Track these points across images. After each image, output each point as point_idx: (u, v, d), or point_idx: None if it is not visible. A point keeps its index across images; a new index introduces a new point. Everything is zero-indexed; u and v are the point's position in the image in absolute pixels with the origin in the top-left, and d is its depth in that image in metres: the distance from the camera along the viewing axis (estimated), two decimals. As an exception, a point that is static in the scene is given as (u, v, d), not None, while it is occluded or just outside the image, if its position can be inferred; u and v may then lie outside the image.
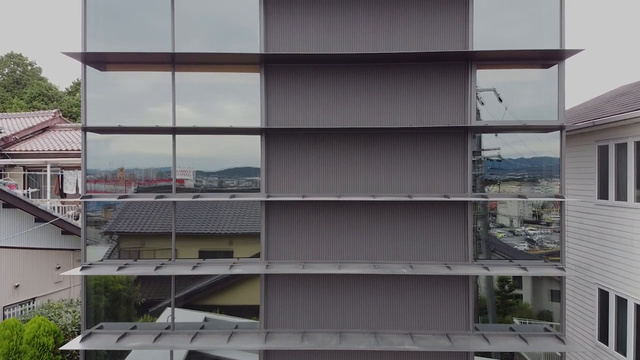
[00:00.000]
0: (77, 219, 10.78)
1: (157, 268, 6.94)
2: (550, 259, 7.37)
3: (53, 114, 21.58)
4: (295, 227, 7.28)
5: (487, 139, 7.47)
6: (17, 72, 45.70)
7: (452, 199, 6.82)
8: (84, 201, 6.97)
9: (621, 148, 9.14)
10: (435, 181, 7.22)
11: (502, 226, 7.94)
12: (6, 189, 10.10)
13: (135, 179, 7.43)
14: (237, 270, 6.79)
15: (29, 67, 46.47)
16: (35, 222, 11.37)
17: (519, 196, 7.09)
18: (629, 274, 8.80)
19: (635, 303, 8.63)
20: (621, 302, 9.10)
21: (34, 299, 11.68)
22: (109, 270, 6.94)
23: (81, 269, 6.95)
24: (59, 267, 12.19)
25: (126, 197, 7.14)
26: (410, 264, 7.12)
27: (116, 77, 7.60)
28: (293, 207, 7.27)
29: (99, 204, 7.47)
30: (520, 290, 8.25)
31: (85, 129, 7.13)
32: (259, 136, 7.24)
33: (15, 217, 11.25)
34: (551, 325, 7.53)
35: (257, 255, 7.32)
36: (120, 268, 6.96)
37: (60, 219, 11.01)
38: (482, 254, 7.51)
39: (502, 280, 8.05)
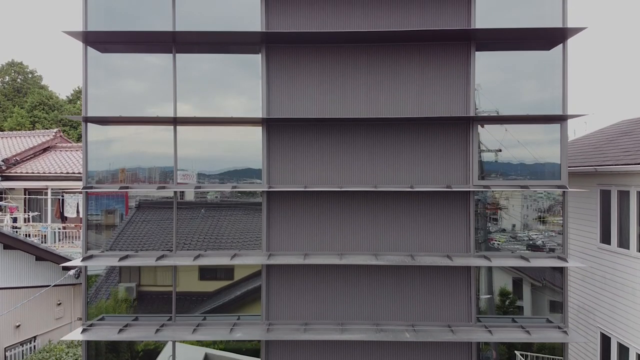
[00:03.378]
0: (77, 277, 10.77)
1: (157, 331, 6.92)
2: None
3: (54, 134, 21.56)
4: (295, 288, 7.26)
5: (488, 141, 7.37)
6: (18, 80, 45.69)
7: (455, 262, 6.78)
8: (85, 265, 6.95)
9: (624, 195, 9.10)
10: (437, 239, 7.20)
11: (503, 231, 7.84)
12: (6, 231, 10.06)
13: (137, 179, 7.38)
14: (238, 335, 6.78)
15: (30, 76, 46.45)
16: (36, 260, 11.36)
17: (522, 257, 7.05)
18: (632, 322, 8.77)
19: (637, 353, 8.60)
20: (623, 350, 9.07)
21: (35, 337, 11.66)
22: (110, 332, 6.91)
23: (82, 332, 6.92)
24: (59, 304, 12.19)
25: (127, 257, 7.13)
26: (413, 324, 7.10)
27: (117, 79, 7.58)
28: (294, 268, 7.23)
29: (99, 206, 7.46)
30: (520, 301, 8.18)
31: (87, 191, 7.11)
32: (259, 136, 7.17)
33: (16, 256, 11.20)
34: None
35: (259, 274, 7.27)
36: (121, 330, 6.94)
37: (61, 257, 10.98)
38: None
39: (504, 295, 8.01)
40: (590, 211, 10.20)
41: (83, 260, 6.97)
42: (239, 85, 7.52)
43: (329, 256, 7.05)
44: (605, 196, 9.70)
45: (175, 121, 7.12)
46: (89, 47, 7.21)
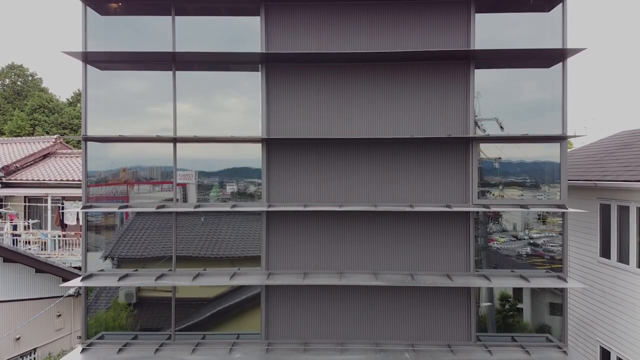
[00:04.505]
0: (77, 295, 10.75)
1: (156, 351, 6.92)
2: (554, 267, 7.29)
3: (54, 140, 21.56)
4: (294, 306, 7.27)
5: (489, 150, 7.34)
6: (18, 83, 45.74)
7: (455, 283, 6.78)
8: (85, 286, 6.95)
9: (624, 210, 9.09)
10: (437, 258, 7.21)
11: (504, 231, 7.82)
12: (6, 244, 10.05)
13: (138, 179, 7.41)
14: (237, 356, 6.77)
15: (30, 78, 46.49)
16: (35, 272, 11.35)
17: (521, 277, 7.04)
18: (631, 338, 8.76)
19: (637, 369, 8.60)
20: (623, 365, 9.07)
21: (35, 349, 11.66)
22: (109, 353, 6.91)
23: (81, 352, 6.93)
24: (59, 315, 12.18)
25: (126, 276, 7.13)
26: (413, 344, 7.09)
27: (117, 79, 7.60)
28: (293, 286, 7.23)
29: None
30: (520, 304, 8.15)
31: (86, 210, 7.11)
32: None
33: (16, 269, 11.17)
34: None
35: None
36: (120, 350, 6.94)
37: (61, 269, 10.98)
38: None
39: (504, 299, 7.99)
40: (590, 224, 10.18)
41: (82, 280, 6.97)
42: (240, 85, 7.54)
43: (328, 276, 7.05)
44: (605, 210, 9.69)
45: (175, 140, 7.12)
46: (88, 66, 7.21)
